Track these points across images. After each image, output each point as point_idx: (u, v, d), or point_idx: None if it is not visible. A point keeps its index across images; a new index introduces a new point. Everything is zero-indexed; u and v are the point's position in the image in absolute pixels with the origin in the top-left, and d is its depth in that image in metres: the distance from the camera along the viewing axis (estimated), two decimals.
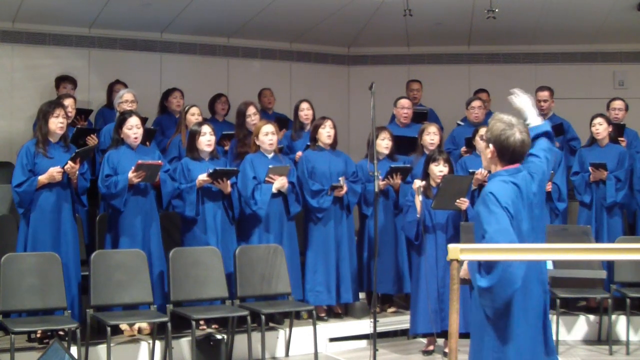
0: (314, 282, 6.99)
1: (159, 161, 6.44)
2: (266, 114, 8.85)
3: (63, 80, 8.24)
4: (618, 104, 8.21)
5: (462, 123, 8.67)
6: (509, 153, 3.90)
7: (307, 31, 9.82)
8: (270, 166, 6.75)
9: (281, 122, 8.15)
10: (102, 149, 7.09)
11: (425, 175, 6.61)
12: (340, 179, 6.99)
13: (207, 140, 6.68)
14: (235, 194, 6.74)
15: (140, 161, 6.24)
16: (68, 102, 7.22)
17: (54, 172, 6.03)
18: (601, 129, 7.65)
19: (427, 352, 6.67)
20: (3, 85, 8.79)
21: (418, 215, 6.43)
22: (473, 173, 7.04)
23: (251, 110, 7.41)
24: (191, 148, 6.74)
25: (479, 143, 7.22)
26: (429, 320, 6.42)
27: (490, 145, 3.93)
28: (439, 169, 6.49)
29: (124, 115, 6.53)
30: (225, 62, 9.99)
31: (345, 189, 7.01)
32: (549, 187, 7.28)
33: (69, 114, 7.11)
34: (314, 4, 8.67)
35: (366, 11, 9.01)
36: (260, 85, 9.41)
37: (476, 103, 8.32)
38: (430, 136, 7.20)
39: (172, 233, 6.97)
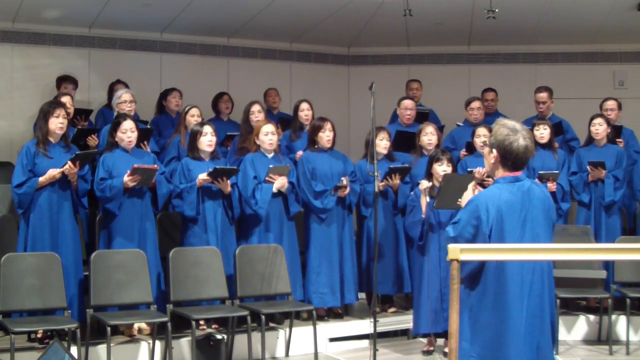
0: (318, 283, 6.97)
1: (155, 165, 6.44)
2: (271, 114, 8.85)
3: (64, 80, 8.24)
4: (611, 104, 8.20)
5: (461, 124, 8.67)
6: (512, 158, 3.90)
7: (307, 31, 9.82)
8: (270, 166, 6.76)
9: (286, 122, 8.14)
10: (102, 150, 7.10)
11: (429, 176, 6.61)
12: (342, 178, 6.98)
13: (208, 140, 6.69)
14: (235, 194, 6.75)
15: (136, 165, 6.25)
16: (65, 99, 7.21)
17: (54, 173, 6.03)
18: (601, 129, 7.65)
19: (427, 352, 6.67)
20: (3, 85, 8.80)
21: (423, 216, 6.44)
22: (471, 172, 7.05)
23: (255, 107, 7.47)
24: (192, 148, 6.75)
25: (478, 144, 7.29)
26: (431, 320, 6.42)
27: (494, 151, 3.94)
28: (442, 169, 6.47)
29: (118, 119, 6.54)
30: (225, 62, 9.99)
31: (348, 188, 7.01)
32: (553, 187, 7.30)
33: (67, 111, 7.10)
34: (314, 4, 8.67)
35: (366, 11, 9.01)
36: (260, 85, 9.42)
37: (475, 104, 8.29)
38: (428, 136, 7.21)
39: (172, 233, 6.97)
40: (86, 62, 9.15)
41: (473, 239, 3.86)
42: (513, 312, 3.84)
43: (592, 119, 7.75)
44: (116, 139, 6.48)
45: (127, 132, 6.44)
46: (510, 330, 3.84)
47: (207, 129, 6.72)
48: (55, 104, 6.30)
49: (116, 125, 6.49)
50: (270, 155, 6.93)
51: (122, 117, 6.56)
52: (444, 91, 10.02)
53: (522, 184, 3.91)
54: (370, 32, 9.85)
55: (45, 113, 6.15)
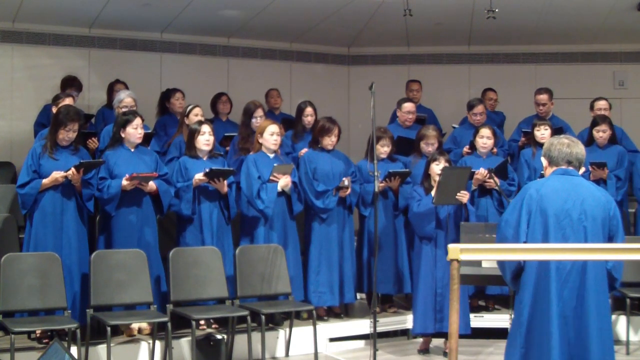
0: (317, 283, 6.96)
1: (154, 172, 6.40)
2: (273, 115, 8.84)
3: (70, 85, 8.18)
4: (603, 104, 8.17)
5: (456, 126, 8.66)
6: (549, 154, 4.32)
7: (307, 31, 9.82)
8: (275, 165, 6.75)
9: (288, 122, 8.13)
10: (101, 149, 7.08)
11: (427, 176, 6.62)
12: (344, 179, 6.98)
13: (205, 139, 6.69)
14: (231, 194, 6.74)
15: (135, 173, 6.22)
16: (68, 101, 7.20)
17: (57, 176, 6.01)
18: (605, 135, 7.67)
19: (421, 351, 6.66)
20: (3, 85, 8.80)
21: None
22: (473, 173, 7.06)
23: (259, 112, 7.40)
24: (190, 146, 6.75)
25: (480, 144, 7.40)
26: (428, 319, 6.43)
27: (543, 158, 4.37)
28: (439, 168, 6.48)
29: (128, 116, 6.49)
30: (225, 62, 10.00)
31: (349, 189, 7.01)
32: None
33: (81, 123, 7.06)
34: (314, 4, 8.68)
35: (366, 11, 9.01)
36: (260, 85, 9.41)
37: (479, 109, 8.12)
38: (430, 140, 7.18)
39: (171, 233, 6.97)
40: (86, 62, 9.15)
41: (518, 224, 4.13)
42: (551, 311, 4.09)
43: (595, 124, 7.74)
44: (123, 135, 6.45)
45: (138, 129, 6.43)
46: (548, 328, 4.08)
47: (205, 128, 6.71)
48: (73, 116, 6.14)
49: (126, 122, 6.45)
50: (272, 156, 6.92)
51: (132, 114, 6.50)
52: (444, 91, 10.04)
53: (571, 177, 4.24)
54: (370, 32, 9.86)
55: (58, 123, 6.10)
